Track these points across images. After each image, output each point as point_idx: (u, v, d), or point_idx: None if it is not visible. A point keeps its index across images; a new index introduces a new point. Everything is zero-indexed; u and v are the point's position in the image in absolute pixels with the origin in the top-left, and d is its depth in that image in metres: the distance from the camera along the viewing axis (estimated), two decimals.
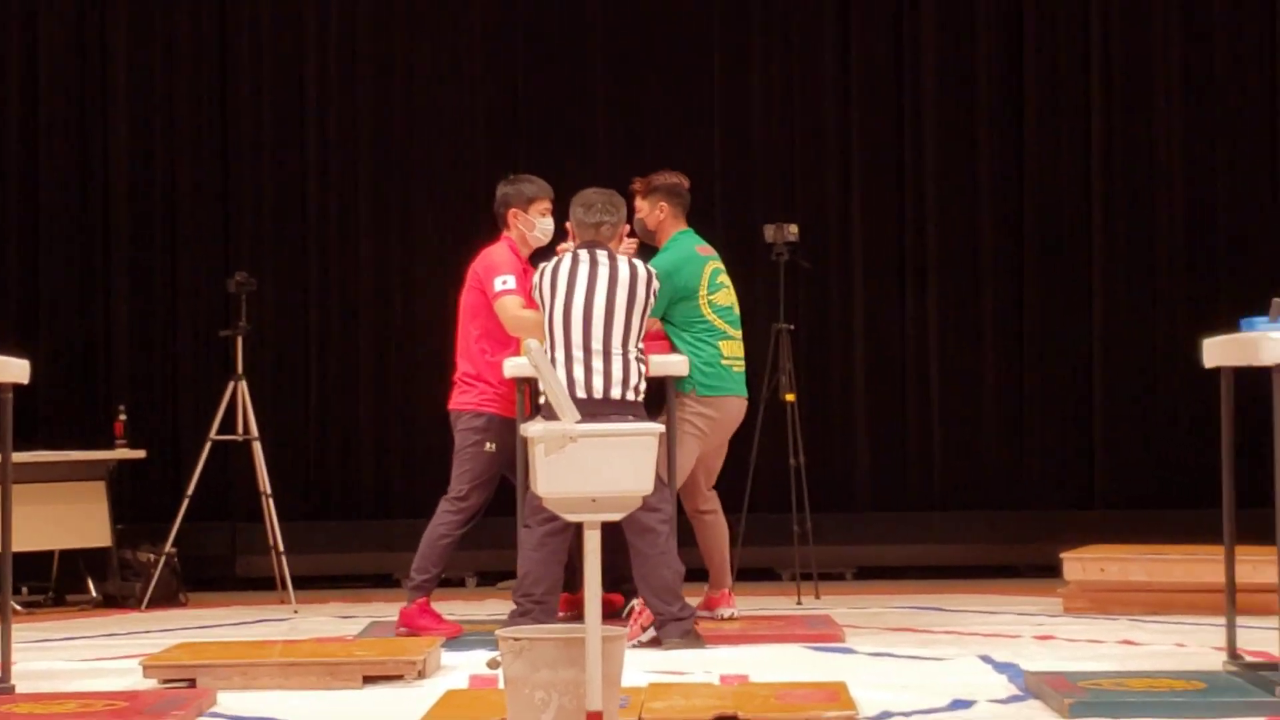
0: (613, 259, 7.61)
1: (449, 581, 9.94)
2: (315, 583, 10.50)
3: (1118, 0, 11.20)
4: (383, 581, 10.76)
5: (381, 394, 11.23)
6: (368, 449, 11.22)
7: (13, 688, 6.50)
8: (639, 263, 7.69)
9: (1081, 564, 8.97)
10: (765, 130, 11.30)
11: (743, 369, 8.32)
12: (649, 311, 7.66)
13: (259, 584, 10.36)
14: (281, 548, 9.79)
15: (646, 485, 4.88)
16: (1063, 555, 9.06)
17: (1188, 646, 7.59)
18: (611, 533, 6.97)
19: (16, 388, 6.59)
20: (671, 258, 8.20)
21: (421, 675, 6.85)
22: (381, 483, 11.20)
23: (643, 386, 7.54)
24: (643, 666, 6.92)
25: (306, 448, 11.19)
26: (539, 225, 8.27)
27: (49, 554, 10.01)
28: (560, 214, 8.14)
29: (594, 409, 7.20)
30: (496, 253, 8.21)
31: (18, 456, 7.33)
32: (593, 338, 7.47)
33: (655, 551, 7.62)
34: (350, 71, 11.32)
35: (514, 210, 8.27)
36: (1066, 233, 11.20)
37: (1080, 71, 11.22)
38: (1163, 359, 11.04)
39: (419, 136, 11.31)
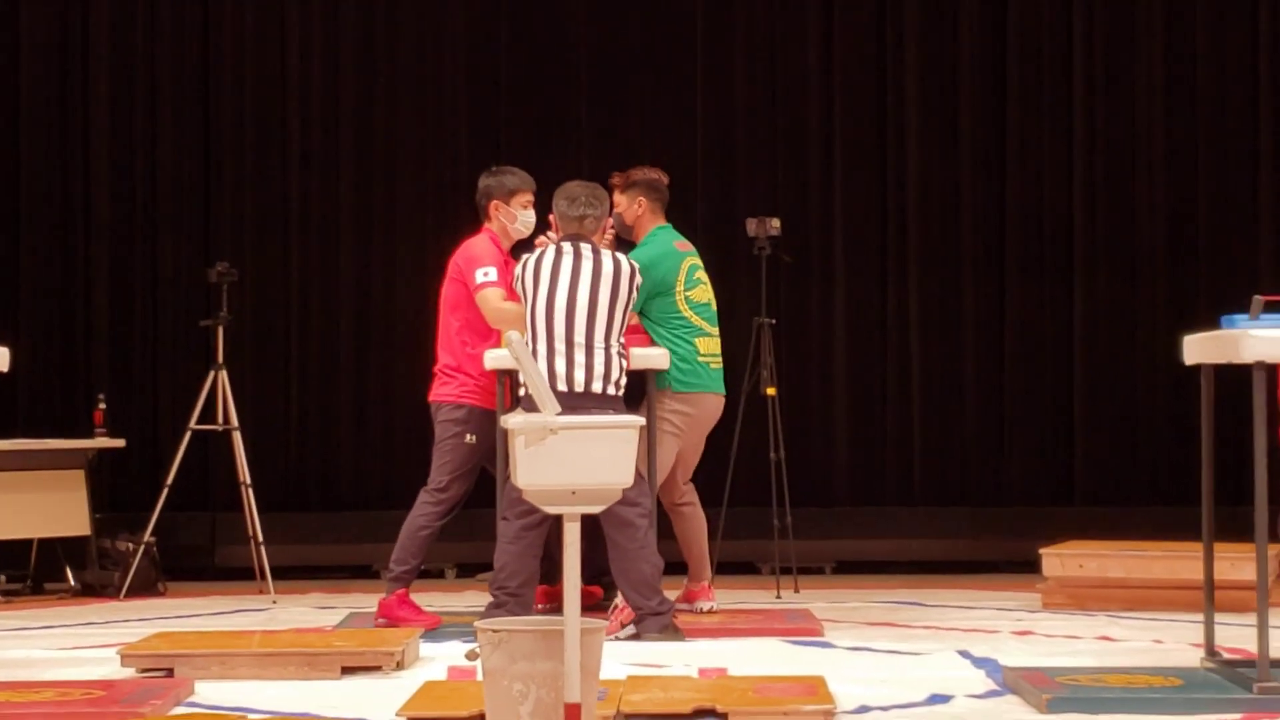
0: (596, 252, 7.61)
1: (428, 573, 9.93)
2: (294, 573, 10.49)
3: None
4: (362, 572, 10.74)
5: (362, 385, 11.22)
6: (347, 440, 11.20)
7: None
8: (622, 257, 7.69)
9: (1060, 560, 8.99)
10: (748, 123, 11.29)
11: (720, 365, 8.31)
12: (631, 305, 7.66)
13: (238, 574, 10.35)
14: (260, 538, 9.78)
15: (626, 478, 4.88)
16: (1042, 551, 9.07)
17: (1165, 643, 7.61)
18: (589, 525, 6.96)
19: None
20: (650, 252, 8.19)
21: (400, 666, 6.85)
22: (361, 474, 11.19)
23: (624, 381, 7.56)
24: (621, 659, 6.92)
25: (286, 438, 11.18)
26: (520, 217, 8.26)
27: (27, 542, 9.98)
28: (542, 207, 8.13)
29: (575, 402, 7.20)
30: (478, 244, 8.20)
31: None
32: (575, 331, 7.47)
33: (634, 546, 7.62)
34: (332, 62, 11.30)
35: (495, 202, 8.26)
36: (1048, 229, 11.21)
37: (1063, 69, 11.22)
38: (1143, 356, 11.06)
39: (401, 128, 11.29)
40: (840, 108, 11.27)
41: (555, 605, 7.85)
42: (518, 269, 7.71)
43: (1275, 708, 5.80)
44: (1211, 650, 6.61)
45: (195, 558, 10.71)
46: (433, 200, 11.17)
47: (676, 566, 8.43)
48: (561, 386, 7.37)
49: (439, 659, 7.11)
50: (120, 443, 10.19)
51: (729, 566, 9.86)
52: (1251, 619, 6.29)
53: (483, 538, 8.61)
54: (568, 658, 4.83)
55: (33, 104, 11.20)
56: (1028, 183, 11.22)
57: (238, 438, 9.84)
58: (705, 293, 8.31)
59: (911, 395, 11.19)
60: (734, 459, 9.44)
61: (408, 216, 11.22)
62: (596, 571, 8.06)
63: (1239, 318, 6.07)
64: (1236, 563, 8.26)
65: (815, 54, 11.29)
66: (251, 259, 11.06)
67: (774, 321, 9.66)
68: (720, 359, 8.32)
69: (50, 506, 9.89)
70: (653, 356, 7.98)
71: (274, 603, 9.49)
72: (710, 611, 8.42)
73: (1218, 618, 6.73)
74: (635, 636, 7.66)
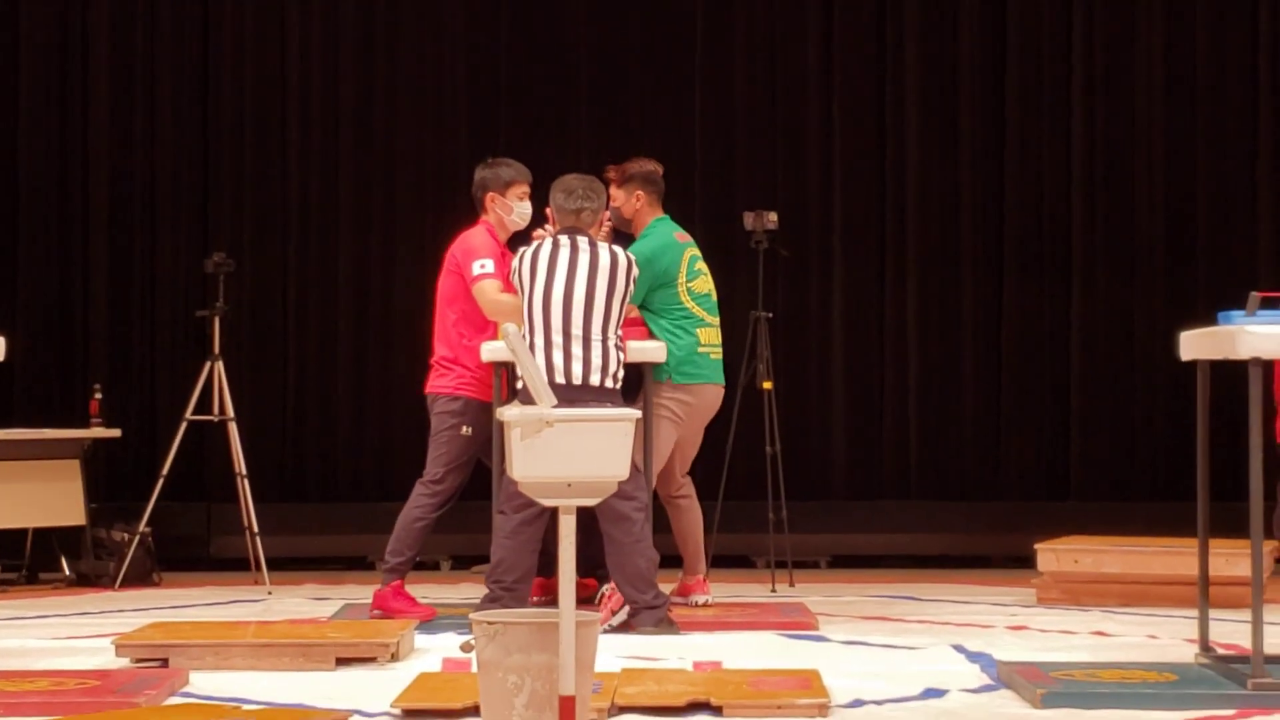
0: (593, 245, 7.61)
1: (423, 565, 9.93)
2: (289, 564, 10.49)
3: None
4: (357, 564, 10.74)
5: (358, 376, 11.22)
6: (344, 431, 11.20)
7: None
8: (619, 249, 7.69)
9: (1056, 555, 8.99)
10: (747, 118, 11.28)
11: (720, 356, 8.33)
12: (628, 298, 7.66)
13: (233, 565, 10.34)
14: (256, 529, 9.78)
15: (622, 471, 4.88)
16: (1037, 546, 9.07)
17: (1160, 638, 7.61)
18: (584, 518, 6.97)
19: None
20: (651, 244, 8.19)
21: (395, 658, 6.85)
22: (357, 465, 11.19)
23: (621, 374, 7.56)
24: (616, 652, 6.93)
25: (282, 429, 11.18)
26: (516, 209, 8.25)
27: (23, 532, 9.98)
28: (539, 199, 8.13)
29: (572, 395, 7.20)
30: (474, 236, 8.20)
31: None
32: (572, 324, 7.47)
33: (630, 539, 7.62)
34: (331, 53, 11.29)
35: (492, 194, 8.26)
36: (1046, 225, 11.21)
37: (1062, 67, 11.22)
38: (1140, 351, 11.06)
39: (399, 120, 11.28)
40: (840, 108, 11.26)
41: (551, 598, 7.85)
42: (515, 261, 7.70)
43: (1269, 703, 5.81)
44: (1206, 646, 6.62)
45: (190, 548, 10.69)
46: (430, 192, 11.16)
47: (673, 560, 8.43)
48: (559, 379, 7.37)
49: (434, 651, 7.11)
50: (116, 433, 10.19)
51: (724, 560, 9.86)
52: (1246, 615, 6.30)
53: (478, 530, 8.61)
54: (563, 650, 4.83)
55: (33, 104, 11.18)
56: (1027, 182, 11.22)
57: (233, 428, 9.84)
58: (706, 283, 8.32)
59: (908, 389, 11.19)
60: (730, 452, 9.44)
61: (405, 208, 11.21)
62: (592, 564, 8.06)
63: (1235, 313, 6.07)
64: (1232, 558, 8.27)
65: (815, 54, 11.28)
66: (248, 250, 11.05)
67: (771, 315, 9.65)
68: (720, 350, 8.33)
69: (46, 496, 9.89)
70: (650, 350, 7.98)
71: (269, 594, 9.49)
72: (705, 605, 8.42)
73: (1212, 613, 6.73)
74: (627, 625, 7.66)
